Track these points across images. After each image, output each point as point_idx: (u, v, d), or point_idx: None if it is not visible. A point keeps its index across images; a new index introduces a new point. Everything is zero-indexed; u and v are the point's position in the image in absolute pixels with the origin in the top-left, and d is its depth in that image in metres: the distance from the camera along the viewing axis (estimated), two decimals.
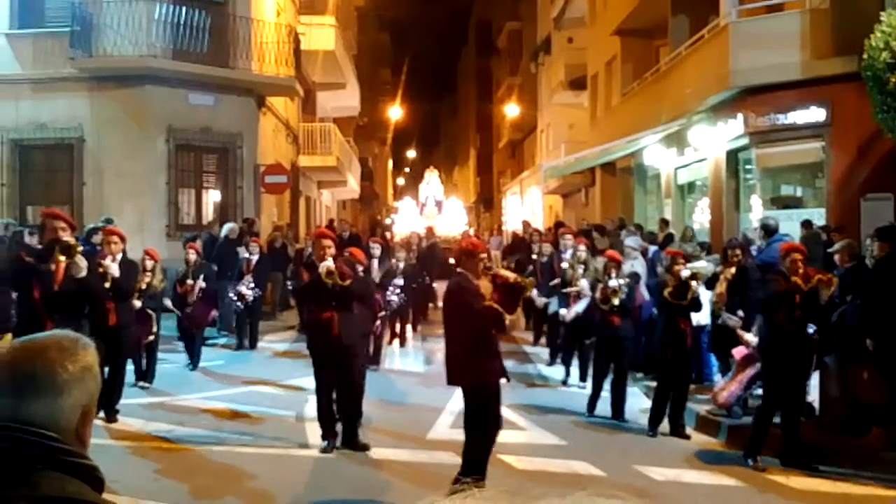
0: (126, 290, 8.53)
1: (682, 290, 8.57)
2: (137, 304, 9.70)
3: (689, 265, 9.10)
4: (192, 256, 12.12)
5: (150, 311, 10.24)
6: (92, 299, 7.02)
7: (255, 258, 13.84)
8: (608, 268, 9.47)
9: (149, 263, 10.37)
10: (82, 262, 6.45)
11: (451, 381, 6.61)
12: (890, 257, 8.06)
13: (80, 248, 6.87)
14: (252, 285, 13.56)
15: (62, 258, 6.29)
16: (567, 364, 11.39)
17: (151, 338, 10.38)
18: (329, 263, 7.60)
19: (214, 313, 12.69)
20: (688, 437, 8.51)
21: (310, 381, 10.42)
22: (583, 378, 10.83)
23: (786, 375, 7.44)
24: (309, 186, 30.10)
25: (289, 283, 15.84)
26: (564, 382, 11.27)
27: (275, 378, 11.28)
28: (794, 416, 7.53)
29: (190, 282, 11.81)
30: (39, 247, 11.00)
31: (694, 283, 8.58)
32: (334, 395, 8.03)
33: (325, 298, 7.72)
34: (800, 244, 8.58)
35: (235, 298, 13.55)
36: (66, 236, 6.79)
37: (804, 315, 7.52)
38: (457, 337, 6.56)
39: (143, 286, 10.03)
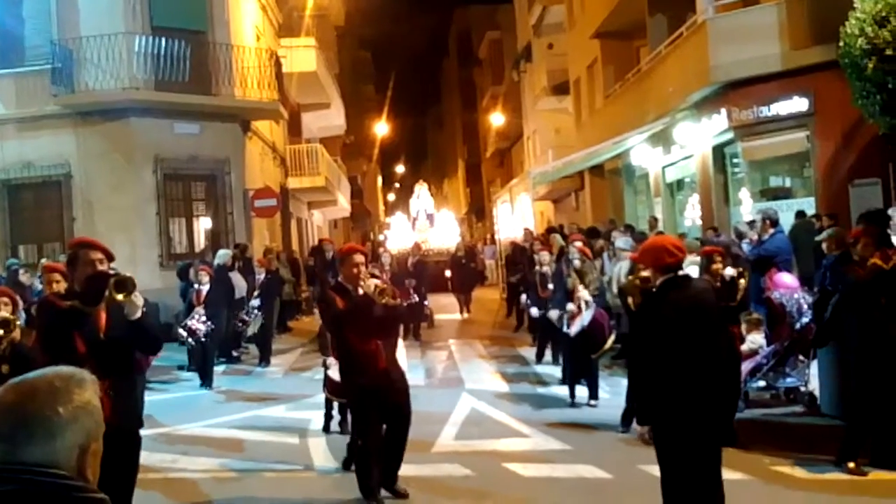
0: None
1: (726, 291, 7.57)
2: None
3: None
4: None
5: None
6: (150, 344, 5.49)
7: (204, 288, 12.58)
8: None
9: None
10: (139, 300, 5.10)
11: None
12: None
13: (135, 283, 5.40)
14: (204, 318, 12.30)
15: (119, 297, 5.01)
16: (572, 384, 10.08)
17: None
18: (378, 281, 6.62)
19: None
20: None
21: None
22: (593, 395, 9.85)
23: (888, 371, 6.77)
24: (299, 208, 30.14)
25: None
26: (572, 404, 9.95)
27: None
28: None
29: None
30: (41, 286, 9.51)
31: (742, 281, 7.75)
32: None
33: (368, 326, 6.48)
34: (868, 226, 8.13)
35: (186, 335, 12.28)
36: (104, 268, 5.42)
37: (889, 301, 6.85)
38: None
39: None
